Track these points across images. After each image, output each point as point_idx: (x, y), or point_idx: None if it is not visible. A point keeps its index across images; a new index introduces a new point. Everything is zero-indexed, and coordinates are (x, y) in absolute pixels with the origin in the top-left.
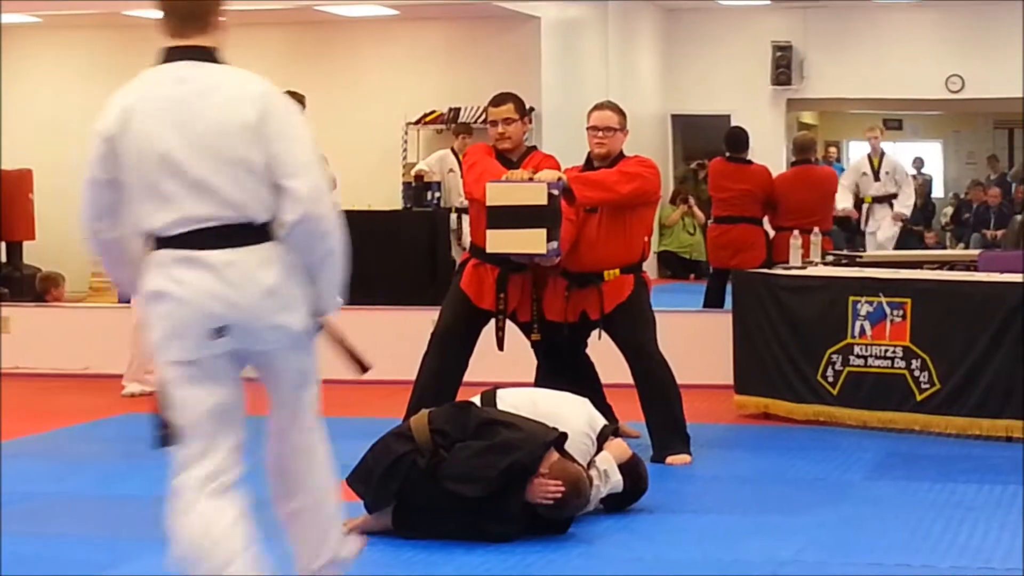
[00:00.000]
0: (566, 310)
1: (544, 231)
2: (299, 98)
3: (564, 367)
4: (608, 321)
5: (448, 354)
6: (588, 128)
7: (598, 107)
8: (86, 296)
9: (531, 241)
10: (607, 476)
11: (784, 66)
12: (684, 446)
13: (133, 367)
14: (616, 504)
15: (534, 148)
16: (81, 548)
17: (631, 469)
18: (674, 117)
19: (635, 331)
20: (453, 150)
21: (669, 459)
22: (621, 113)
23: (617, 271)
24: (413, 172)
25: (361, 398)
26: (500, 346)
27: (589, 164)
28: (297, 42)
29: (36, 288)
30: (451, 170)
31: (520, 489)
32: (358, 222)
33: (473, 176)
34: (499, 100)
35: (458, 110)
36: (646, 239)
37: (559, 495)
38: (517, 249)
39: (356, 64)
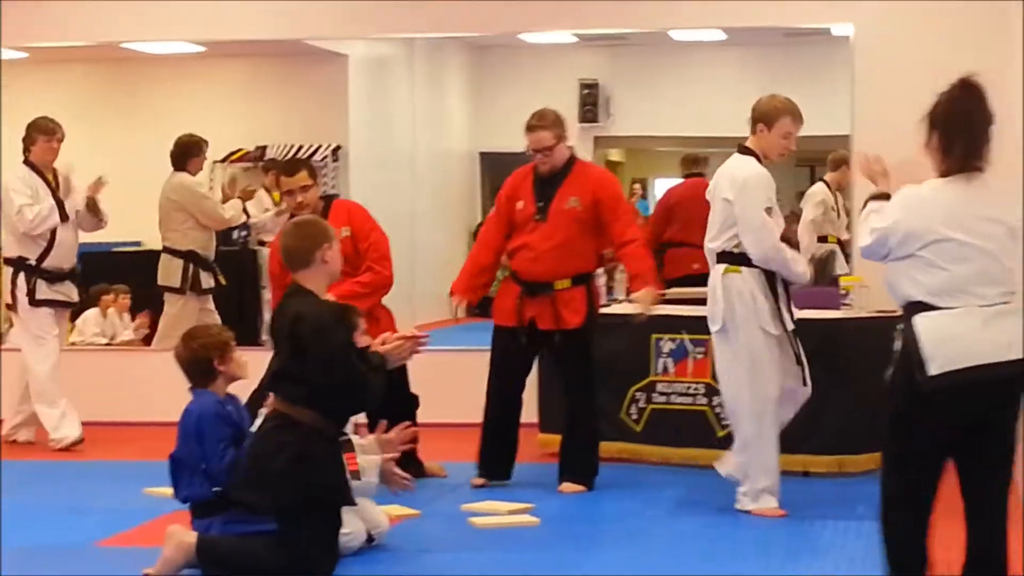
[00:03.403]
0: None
1: None
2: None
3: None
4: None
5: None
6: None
7: (530, 128)
8: None
9: None
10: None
11: (591, 104)
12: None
13: None
14: None
15: (335, 196)
16: None
17: None
18: (482, 154)
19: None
20: (265, 187)
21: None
22: (556, 126)
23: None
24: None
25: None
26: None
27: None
28: (103, 79)
29: None
30: (267, 209)
31: None
32: None
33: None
34: (292, 169)
35: (264, 148)
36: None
37: None
38: None
39: (162, 101)
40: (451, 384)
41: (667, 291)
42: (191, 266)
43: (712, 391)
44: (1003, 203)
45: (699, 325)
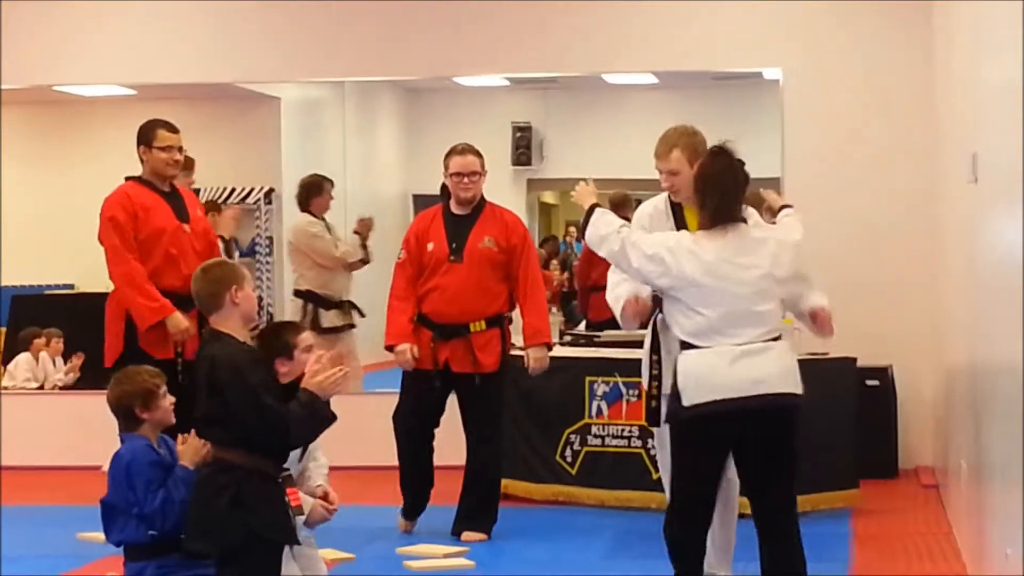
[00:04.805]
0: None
1: None
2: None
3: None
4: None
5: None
6: (451, 174)
7: (460, 152)
8: None
9: None
10: None
11: (524, 146)
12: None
13: None
14: None
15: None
16: None
17: None
18: (416, 197)
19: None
20: None
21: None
22: (481, 156)
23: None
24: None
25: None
26: None
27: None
28: (36, 121)
29: None
30: None
31: None
32: (98, 305)
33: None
34: (174, 127)
35: (197, 191)
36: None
37: None
38: None
39: (95, 144)
40: (374, 426)
41: (601, 334)
42: (309, 306)
43: (646, 433)
44: (758, 251)
45: (633, 368)
